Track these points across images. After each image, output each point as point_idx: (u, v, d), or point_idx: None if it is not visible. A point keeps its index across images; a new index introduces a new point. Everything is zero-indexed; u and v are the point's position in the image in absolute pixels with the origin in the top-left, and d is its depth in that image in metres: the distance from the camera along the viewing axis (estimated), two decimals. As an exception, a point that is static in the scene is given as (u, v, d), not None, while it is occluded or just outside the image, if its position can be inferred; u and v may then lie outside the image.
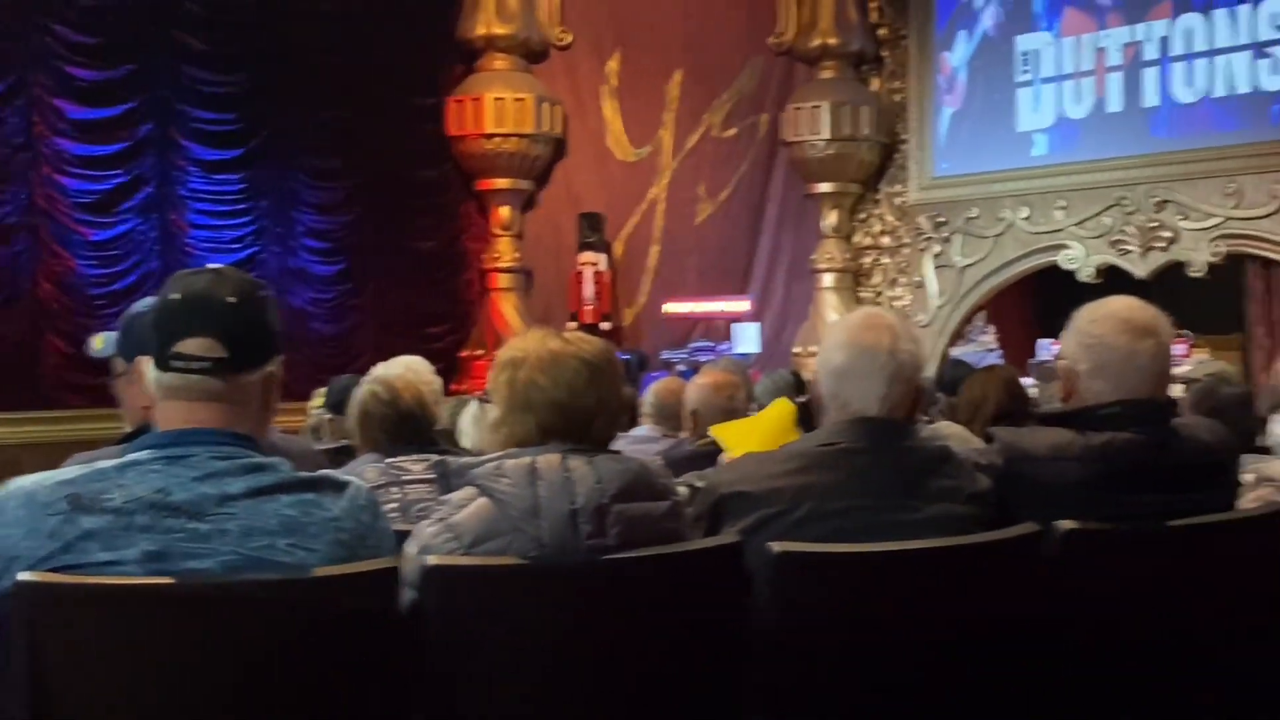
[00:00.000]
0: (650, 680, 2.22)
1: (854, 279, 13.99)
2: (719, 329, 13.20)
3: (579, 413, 2.31)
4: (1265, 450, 3.65)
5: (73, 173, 11.10)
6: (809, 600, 2.24)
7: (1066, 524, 2.37)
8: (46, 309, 10.76)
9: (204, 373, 2.06)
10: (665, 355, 12.50)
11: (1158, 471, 2.50)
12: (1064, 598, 2.38)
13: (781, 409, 3.74)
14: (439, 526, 2.21)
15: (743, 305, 13.30)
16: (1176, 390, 5.39)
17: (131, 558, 1.93)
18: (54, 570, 1.91)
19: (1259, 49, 11.31)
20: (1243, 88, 11.45)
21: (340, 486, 2.12)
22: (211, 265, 2.26)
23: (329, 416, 4.84)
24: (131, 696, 1.94)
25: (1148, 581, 2.46)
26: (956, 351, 12.19)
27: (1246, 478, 2.87)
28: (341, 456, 4.13)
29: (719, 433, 4.08)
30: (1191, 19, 11.72)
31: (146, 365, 2.08)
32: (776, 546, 2.20)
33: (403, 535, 2.30)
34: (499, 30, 12.85)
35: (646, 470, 2.28)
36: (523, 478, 2.18)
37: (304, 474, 2.10)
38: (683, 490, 2.61)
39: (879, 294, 13.90)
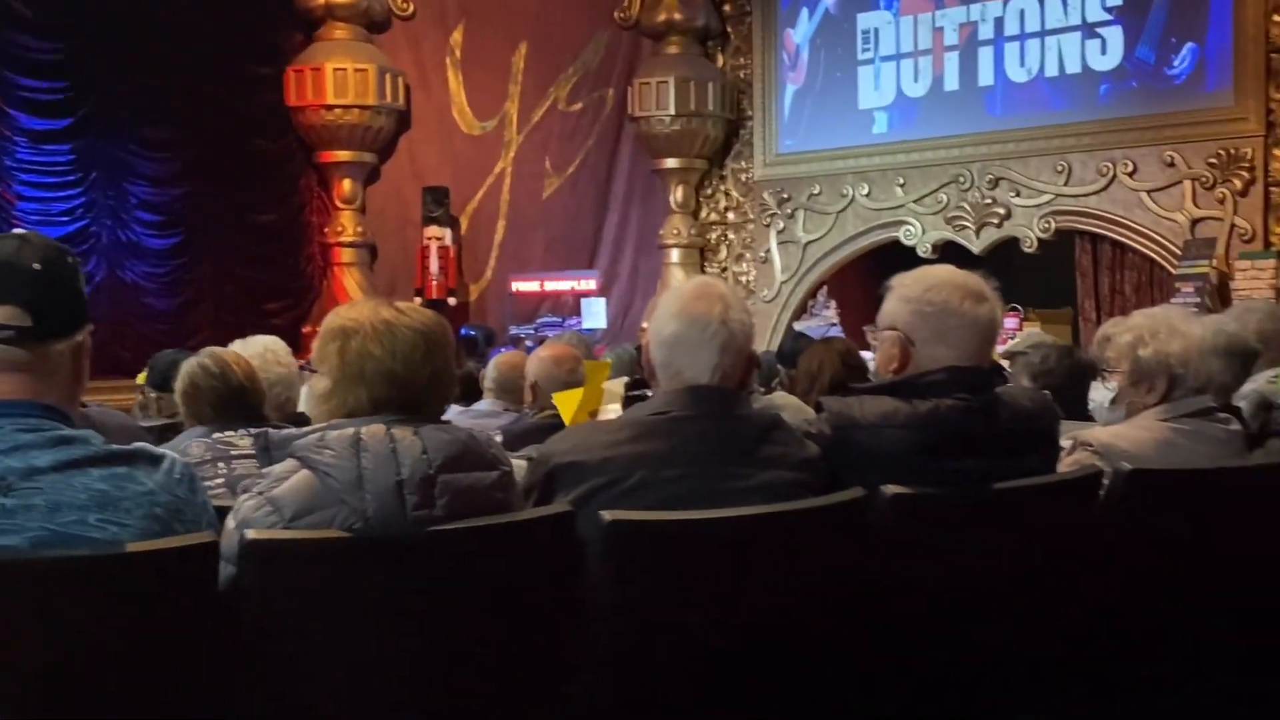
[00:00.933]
0: (481, 652, 2.19)
1: (700, 254, 14.10)
2: (567, 304, 13.18)
3: (414, 385, 2.26)
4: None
5: (-108, 143, 10.58)
6: (640, 568, 2.24)
7: (893, 489, 2.40)
8: None
9: (7, 342, 1.98)
10: (513, 331, 12.45)
11: (982, 437, 2.55)
12: (891, 561, 2.42)
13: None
14: (259, 500, 2.15)
15: (590, 281, 13.29)
16: (1004, 362, 5.54)
17: None
18: None
19: (1089, 30, 11.67)
20: (1073, 68, 11.79)
21: (155, 460, 2.04)
22: (16, 231, 2.15)
23: (154, 394, 4.68)
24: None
25: (972, 544, 2.52)
26: (799, 326, 12.36)
27: (1065, 443, 2.96)
28: (168, 434, 4.01)
29: (558, 400, 4.05)
30: (1025, 0, 12.04)
31: None
32: (607, 515, 2.19)
33: (228, 511, 2.23)
34: (339, -1, 12.60)
35: (475, 440, 2.24)
36: (346, 449, 2.13)
37: (116, 447, 2.02)
38: (521, 464, 2.59)
39: (724, 269, 14.04)
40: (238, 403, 3.63)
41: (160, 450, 2.09)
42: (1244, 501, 2.82)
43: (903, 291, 2.70)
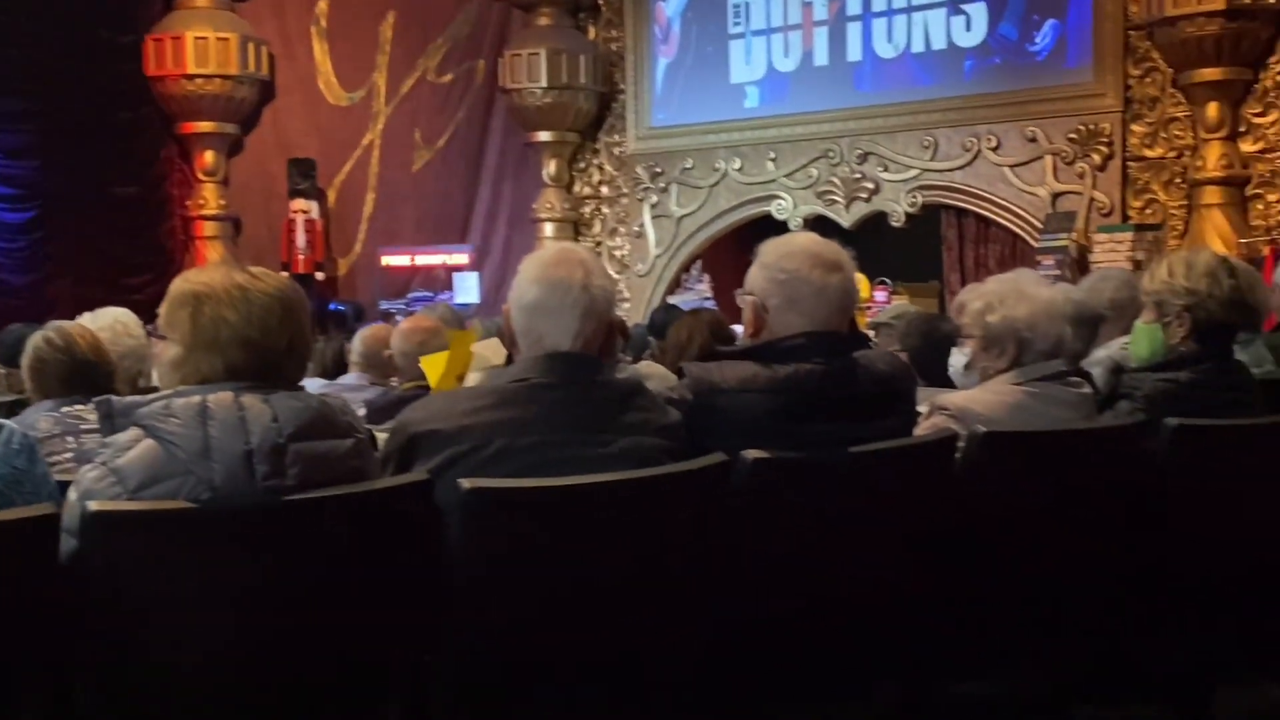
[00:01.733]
0: (336, 623, 2.15)
1: (574, 229, 14.04)
2: (439, 279, 13.05)
3: (270, 351, 2.19)
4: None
5: None
6: (501, 536, 2.21)
7: (753, 453, 2.41)
8: None
9: None
10: (384, 306, 12.29)
11: (840, 401, 2.57)
12: (752, 526, 2.43)
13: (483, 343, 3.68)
14: (101, 470, 2.07)
15: (462, 255, 13.17)
16: (870, 333, 5.62)
17: None
18: None
19: (954, 6, 11.86)
20: (939, 44, 11.98)
21: (-10, 431, 1.96)
22: None
23: (1, 370, 4.51)
24: None
25: (832, 506, 2.54)
26: (673, 299, 12.40)
27: (923, 408, 3.00)
28: (17, 409, 3.86)
29: (425, 364, 4.00)
30: (893, -25, 12.19)
31: None
32: (466, 483, 2.16)
33: (74, 486, 2.15)
34: (200, -35, 12.27)
35: (327, 407, 2.19)
36: (193, 418, 2.06)
37: (-52, 420, 1.94)
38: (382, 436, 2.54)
39: (599, 243, 14.00)
40: (84, 376, 3.51)
41: (-2, 421, 2.01)
42: (1093, 462, 2.90)
43: (763, 259, 2.73)
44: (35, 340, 3.59)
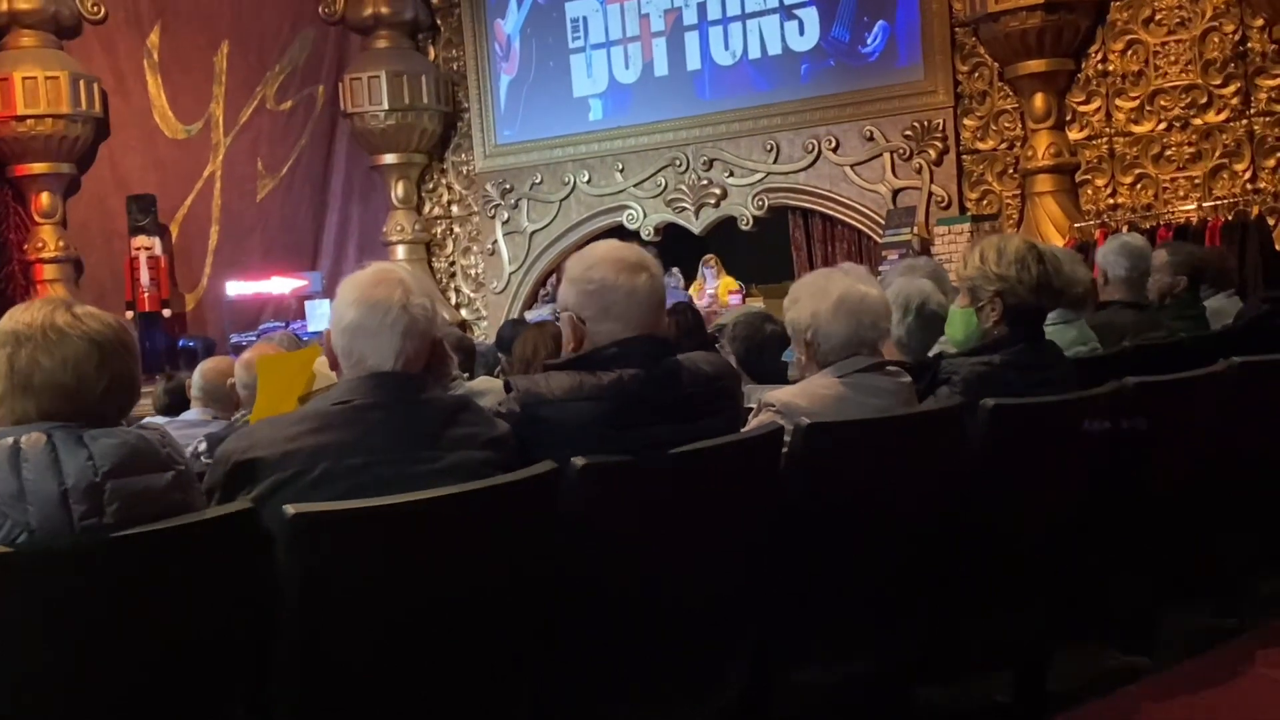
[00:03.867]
0: (166, 661, 2.13)
1: (427, 249, 14.01)
2: (290, 308, 12.88)
3: (86, 396, 2.17)
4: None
5: None
6: (328, 562, 2.20)
7: (581, 460, 2.44)
8: None
9: None
10: (234, 339, 12.08)
11: (664, 403, 2.63)
12: (582, 533, 2.46)
13: (307, 357, 3.65)
14: (-89, 521, 2.03)
15: (310, 282, 13.01)
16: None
17: None
18: None
19: (786, 12, 12.12)
20: (774, 49, 12.23)
21: None
22: None
23: None
24: None
25: (662, 508, 2.59)
26: (530, 315, 12.41)
27: (752, 405, 3.08)
28: None
29: (261, 364, 3.95)
30: (725, -16, 12.39)
31: None
32: (290, 508, 2.15)
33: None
34: (23, 5, 12.00)
35: (145, 441, 2.17)
36: (4, 461, 2.03)
37: None
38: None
39: (453, 263, 13.99)
40: None
41: None
42: (916, 445, 3.00)
43: (570, 273, 2.77)
44: None
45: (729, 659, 2.73)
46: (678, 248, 12.57)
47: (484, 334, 12.39)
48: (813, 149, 11.95)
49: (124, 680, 2.10)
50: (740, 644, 2.74)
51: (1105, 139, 10.67)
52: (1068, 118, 10.82)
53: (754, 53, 12.33)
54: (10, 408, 2.16)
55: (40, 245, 12.34)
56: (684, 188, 12.66)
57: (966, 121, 11.36)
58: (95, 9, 12.63)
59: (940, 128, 11.35)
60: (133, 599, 2.08)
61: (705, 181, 12.55)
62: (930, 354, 3.80)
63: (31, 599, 1.99)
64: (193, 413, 5.16)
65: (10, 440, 2.07)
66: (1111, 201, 10.64)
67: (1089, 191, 10.79)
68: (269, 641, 2.23)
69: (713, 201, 12.54)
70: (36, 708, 2.05)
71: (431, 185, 14.08)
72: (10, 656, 2.01)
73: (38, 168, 12.25)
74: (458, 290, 14.03)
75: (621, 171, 12.95)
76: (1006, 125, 11.16)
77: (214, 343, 11.99)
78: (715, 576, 2.69)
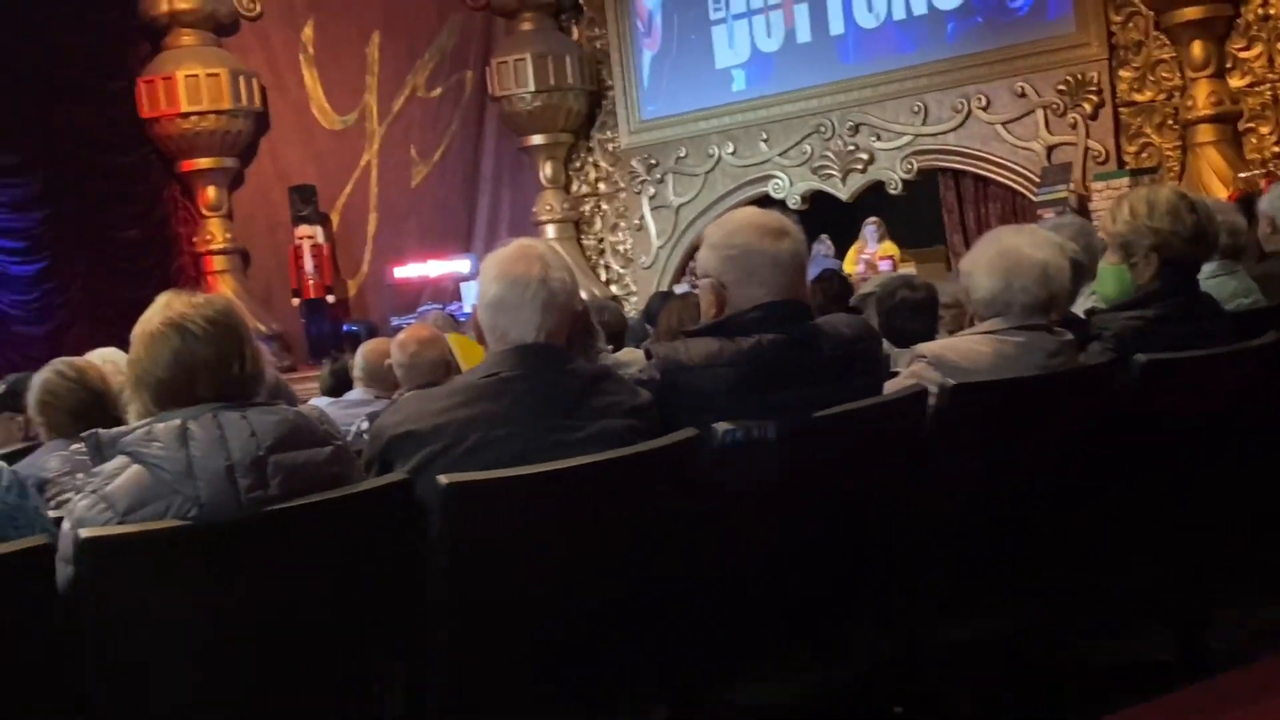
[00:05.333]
0: (329, 628, 2.24)
1: (576, 227, 14.16)
2: (447, 290, 13.16)
3: (237, 378, 2.28)
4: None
5: None
6: (481, 529, 2.28)
7: (723, 425, 2.48)
8: None
9: None
10: (395, 322, 12.38)
11: (804, 367, 2.64)
12: (725, 498, 2.50)
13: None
14: (91, 498, 2.16)
15: (466, 264, 13.28)
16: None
17: None
18: None
19: (932, -29, 11.89)
20: (920, 9, 12.03)
21: (-17, 471, 2.06)
22: None
23: (17, 417, 4.60)
24: None
25: (804, 472, 2.61)
26: (680, 288, 12.47)
27: (896, 370, 3.08)
28: (18, 458, 3.94)
29: (455, 341, 4.12)
30: (867, -53, 12.22)
31: None
32: (444, 479, 2.24)
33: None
34: (183, 4, 12.44)
35: (303, 418, 2.28)
36: (174, 439, 2.16)
37: (-61, 467, 2.03)
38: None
39: (601, 240, 14.11)
40: (97, 408, 3.59)
41: (-12, 462, 2.10)
42: (1065, 404, 2.96)
43: (710, 240, 2.79)
44: (44, 376, 3.68)
45: (871, 620, 2.74)
46: (826, 215, 12.48)
47: (634, 309, 12.47)
48: (962, 108, 11.73)
49: (288, 646, 2.22)
50: (883, 605, 2.75)
51: (1268, 85, 10.25)
52: (1228, 65, 10.43)
53: (899, 14, 12.15)
54: (173, 393, 2.28)
55: (208, 238, 12.83)
56: (830, 154, 12.56)
57: (1122, 73, 11.03)
58: (251, 6, 13.06)
59: (1095, 81, 11.04)
60: (297, 568, 2.20)
61: (852, 147, 12.42)
62: (1080, 311, 3.72)
63: (204, 570, 2.12)
64: (355, 393, 5.33)
65: (178, 420, 2.19)
66: (1277, 149, 10.22)
67: (1253, 140, 10.39)
68: (423, 607, 2.32)
69: (860, 167, 12.41)
70: (207, 676, 2.18)
71: (579, 164, 14.22)
72: (184, 627, 2.14)
73: (203, 163, 12.73)
74: (607, 267, 14.16)
75: (766, 141, 12.90)
76: (1164, 75, 10.81)
77: (376, 326, 12.32)
78: (858, 538, 2.70)
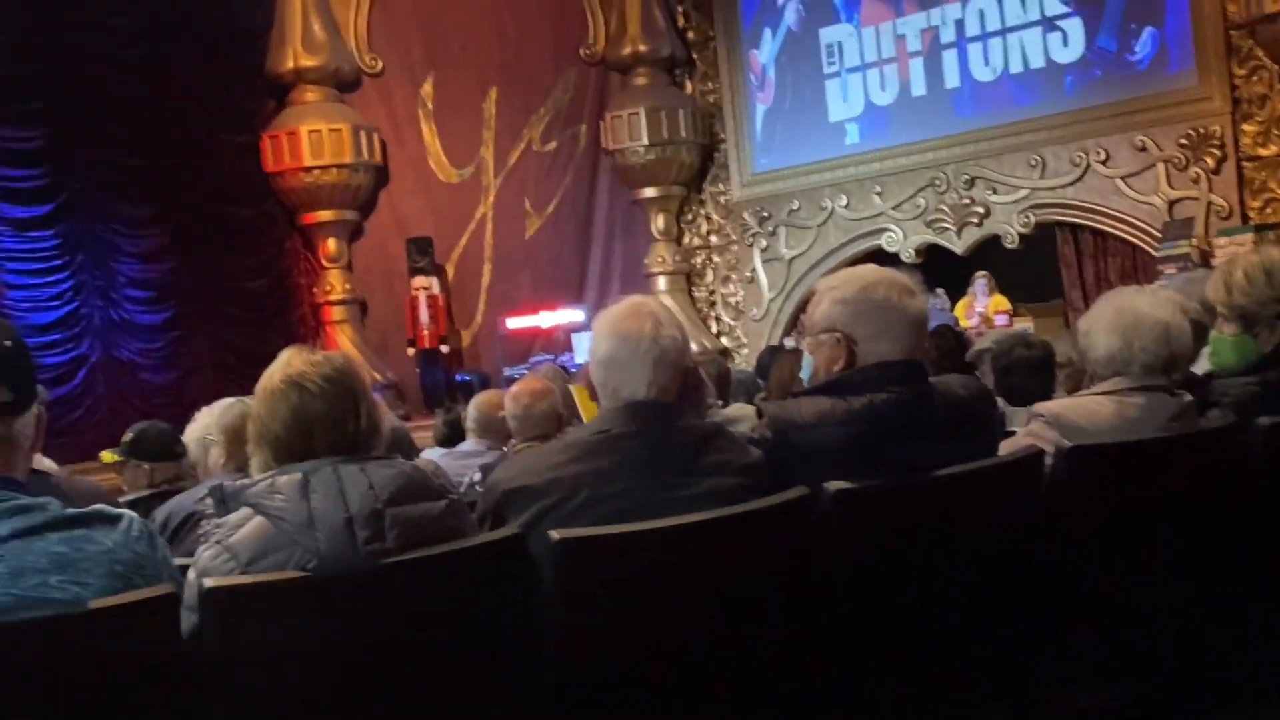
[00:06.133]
0: (444, 679, 2.27)
1: (687, 279, 14.22)
2: (559, 341, 13.27)
3: (354, 433, 2.35)
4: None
5: (-126, 242, 10.72)
6: (591, 584, 2.30)
7: (835, 485, 2.47)
8: None
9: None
10: (507, 373, 12.52)
11: (917, 427, 2.62)
12: (838, 555, 2.49)
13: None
14: (216, 549, 2.23)
15: (578, 315, 13.39)
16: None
17: None
18: None
19: (1049, 24, 11.81)
20: (1037, 62, 11.94)
21: (113, 519, 2.12)
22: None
23: (146, 465, 4.74)
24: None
25: (917, 532, 2.59)
26: (790, 341, 12.44)
27: (1012, 429, 3.04)
28: (155, 503, 4.07)
29: (579, 392, 4.18)
30: (983, 0, 12.17)
31: None
32: (555, 533, 2.26)
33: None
34: (307, 62, 12.77)
35: (419, 472, 2.33)
36: (295, 492, 2.21)
37: (74, 510, 2.09)
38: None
39: (713, 292, 14.15)
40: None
41: (118, 510, 2.16)
42: (1185, 468, 2.89)
43: (837, 294, 2.77)
44: (246, 403, 3.77)
45: (985, 683, 2.69)
46: (934, 268, 12.36)
47: (744, 361, 12.47)
48: (1081, 162, 11.59)
49: (402, 697, 2.25)
50: (998, 668, 2.70)
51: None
52: (1355, 117, 10.18)
53: (1015, 67, 12.07)
54: (291, 448, 2.35)
55: (328, 289, 13.11)
56: (945, 208, 12.47)
57: (1246, 127, 10.81)
58: (373, 63, 13.39)
59: (1218, 134, 10.84)
60: (412, 619, 2.23)
61: (967, 200, 12.33)
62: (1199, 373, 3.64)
63: (323, 620, 2.16)
64: (469, 444, 5.39)
65: (300, 474, 2.25)
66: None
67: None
68: (534, 660, 2.34)
69: (975, 220, 12.31)
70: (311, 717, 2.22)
71: (690, 217, 14.30)
72: (302, 675, 2.19)
73: (324, 215, 13.05)
74: (718, 319, 14.18)
75: (880, 194, 12.86)
76: (1290, 129, 10.58)
77: (489, 376, 12.47)
78: (971, 599, 2.66)
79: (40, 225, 11.65)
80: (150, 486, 4.46)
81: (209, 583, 2.11)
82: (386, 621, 2.22)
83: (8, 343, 2.10)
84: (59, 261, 11.78)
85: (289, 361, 2.40)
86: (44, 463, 4.93)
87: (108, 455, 5.13)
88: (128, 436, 4.86)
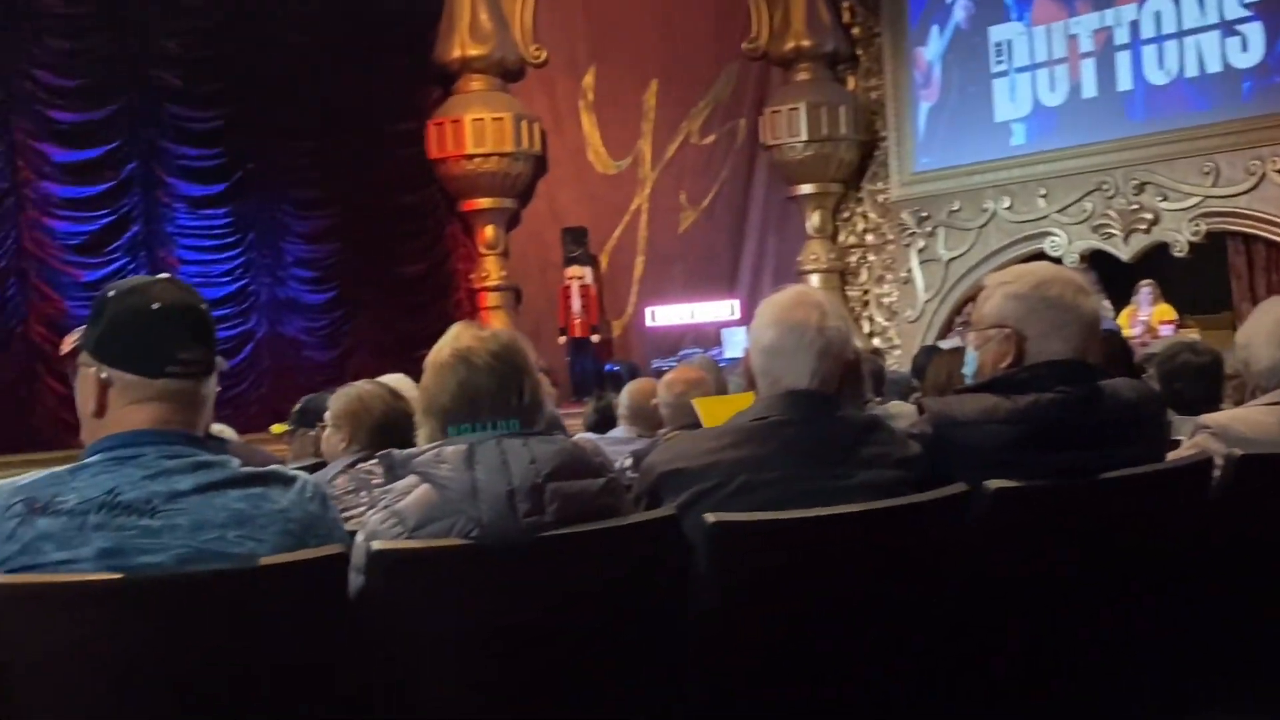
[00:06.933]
0: (592, 653, 2.30)
1: (841, 278, 14.10)
2: (708, 335, 13.29)
3: (518, 408, 2.40)
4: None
5: (60, 215, 11.25)
6: (744, 569, 2.32)
7: (995, 483, 2.43)
8: (40, 351, 10.87)
9: (195, 376, 2.16)
10: (656, 364, 12.58)
11: (1083, 429, 2.57)
12: (994, 556, 2.46)
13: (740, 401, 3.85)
14: (384, 513, 2.30)
15: (730, 310, 13.39)
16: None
17: (87, 555, 2.00)
18: (13, 571, 1.98)
19: (1227, 28, 11.42)
20: (1214, 67, 11.56)
21: (288, 480, 2.20)
22: (161, 276, 2.33)
23: (309, 432, 4.92)
24: (91, 690, 2.02)
25: (1077, 536, 2.54)
26: (946, 343, 12.25)
27: (1179, 436, 2.96)
28: (315, 471, 4.20)
29: (699, 404, 4.22)
30: (1160, 1, 11.83)
31: (99, 372, 2.15)
32: (711, 517, 2.28)
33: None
34: (474, 51, 12.98)
35: (580, 449, 2.37)
36: (461, 462, 2.27)
37: (252, 469, 2.18)
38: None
39: (866, 291, 14.01)
40: (401, 427, 3.77)
41: (293, 472, 2.25)
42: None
43: (1010, 289, 2.73)
44: (360, 388, 3.93)
45: (1141, 697, 2.63)
46: (1102, 276, 12.05)
47: (896, 363, 12.32)
48: (1256, 170, 11.19)
49: (552, 667, 2.29)
50: (1153, 684, 2.64)
51: None
52: None
53: (1191, 71, 11.70)
54: (457, 420, 2.41)
55: (484, 275, 13.34)
56: (1112, 213, 12.16)
57: None
58: (537, 53, 13.57)
59: (1407, 144, 10.38)
60: (566, 592, 2.27)
61: (1135, 206, 12.00)
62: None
63: (482, 588, 2.22)
64: (619, 431, 5.45)
65: (465, 445, 2.31)
66: None
67: None
68: (682, 641, 2.36)
69: (1143, 227, 11.98)
70: (475, 689, 2.27)
71: (847, 214, 14.18)
72: (459, 640, 2.24)
73: (484, 203, 13.27)
74: (870, 319, 14.04)
75: (1045, 197, 12.59)
76: None
77: (638, 367, 12.54)
78: (1129, 609, 2.60)
79: (214, 204, 12.09)
80: (316, 455, 4.61)
81: (377, 545, 2.18)
82: (541, 593, 2.26)
83: (201, 306, 2.20)
84: (231, 239, 12.23)
85: (458, 336, 2.46)
86: (224, 430, 5.15)
87: (278, 427, 5.32)
88: (297, 406, 5.04)
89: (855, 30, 14.03)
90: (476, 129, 12.87)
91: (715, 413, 3.98)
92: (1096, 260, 12.30)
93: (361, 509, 3.48)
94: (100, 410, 2.16)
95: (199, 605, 2.05)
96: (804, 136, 13.48)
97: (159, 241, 11.84)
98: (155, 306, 2.15)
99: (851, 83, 14.07)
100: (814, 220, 13.95)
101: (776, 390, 2.56)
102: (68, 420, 10.15)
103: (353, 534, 2.36)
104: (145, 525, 2.04)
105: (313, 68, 12.20)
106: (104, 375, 2.14)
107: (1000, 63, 12.94)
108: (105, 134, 11.44)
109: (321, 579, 2.13)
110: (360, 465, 3.72)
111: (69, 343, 2.28)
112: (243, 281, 12.27)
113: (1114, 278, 12.21)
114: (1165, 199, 11.80)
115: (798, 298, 2.62)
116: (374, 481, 3.61)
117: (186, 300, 2.19)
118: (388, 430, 3.80)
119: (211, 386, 2.23)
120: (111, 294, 2.20)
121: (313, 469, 4.41)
